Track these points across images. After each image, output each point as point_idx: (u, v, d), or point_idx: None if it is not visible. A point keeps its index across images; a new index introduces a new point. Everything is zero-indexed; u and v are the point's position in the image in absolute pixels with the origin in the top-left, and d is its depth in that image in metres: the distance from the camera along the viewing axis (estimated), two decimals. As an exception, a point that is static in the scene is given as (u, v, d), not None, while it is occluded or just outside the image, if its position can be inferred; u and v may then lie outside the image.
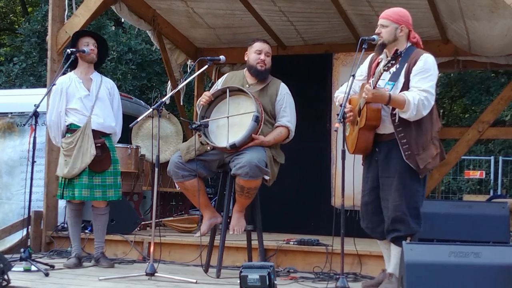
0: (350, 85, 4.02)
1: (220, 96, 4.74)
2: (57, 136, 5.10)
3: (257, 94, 4.70)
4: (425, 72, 3.94)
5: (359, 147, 4.09)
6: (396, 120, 3.97)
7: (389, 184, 4.01)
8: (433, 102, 3.94)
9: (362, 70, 4.25)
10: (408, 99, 3.85)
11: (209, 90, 4.95)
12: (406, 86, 3.96)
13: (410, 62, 3.98)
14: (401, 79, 3.99)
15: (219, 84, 4.90)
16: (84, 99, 5.04)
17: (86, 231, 5.72)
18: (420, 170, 3.97)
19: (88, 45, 5.09)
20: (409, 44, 4.10)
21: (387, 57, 4.08)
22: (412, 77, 3.96)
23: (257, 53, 4.78)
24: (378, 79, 3.90)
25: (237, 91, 4.68)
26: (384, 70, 3.86)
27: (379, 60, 4.15)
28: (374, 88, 3.88)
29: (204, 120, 4.67)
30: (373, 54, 4.23)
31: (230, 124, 4.61)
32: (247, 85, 4.77)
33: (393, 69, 3.99)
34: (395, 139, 4.00)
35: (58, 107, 5.05)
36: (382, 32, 4.06)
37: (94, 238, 5.15)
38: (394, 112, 3.98)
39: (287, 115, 4.76)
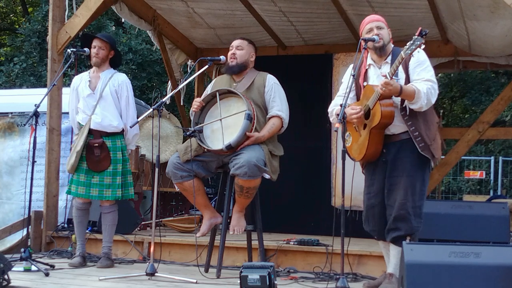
0: (351, 85, 4.03)
1: (211, 101, 4.76)
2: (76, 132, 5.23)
3: (245, 91, 4.71)
4: (423, 64, 4.02)
5: (370, 150, 4.06)
6: (407, 113, 4.00)
7: (397, 183, 4.03)
8: (438, 90, 4.00)
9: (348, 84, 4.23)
10: (418, 89, 3.89)
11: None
12: (407, 82, 4.02)
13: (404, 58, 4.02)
14: (402, 74, 4.04)
15: (208, 90, 4.92)
16: (87, 98, 5.07)
17: (86, 231, 5.72)
18: (434, 159, 4.08)
19: (95, 48, 5.11)
20: (392, 45, 4.21)
21: (374, 62, 4.15)
22: (411, 71, 4.02)
23: (230, 49, 4.84)
24: (395, 71, 3.90)
25: (226, 93, 4.70)
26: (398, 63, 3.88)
27: (366, 67, 4.19)
28: (390, 79, 3.88)
29: (198, 126, 4.68)
30: (350, 68, 4.23)
31: (224, 127, 4.62)
32: (234, 84, 4.79)
33: (385, 70, 4.03)
34: (403, 140, 4.04)
35: (72, 105, 5.19)
36: (381, 34, 4.10)
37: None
38: (404, 106, 4.00)
39: (277, 104, 4.75)
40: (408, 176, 4.01)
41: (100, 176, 5.03)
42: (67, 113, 5.55)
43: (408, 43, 3.74)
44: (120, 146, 5.13)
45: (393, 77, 3.93)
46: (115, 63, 5.29)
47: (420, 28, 3.73)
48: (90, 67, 5.42)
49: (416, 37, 3.71)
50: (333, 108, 4.32)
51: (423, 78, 3.95)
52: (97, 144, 5.01)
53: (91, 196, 5.04)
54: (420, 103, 3.91)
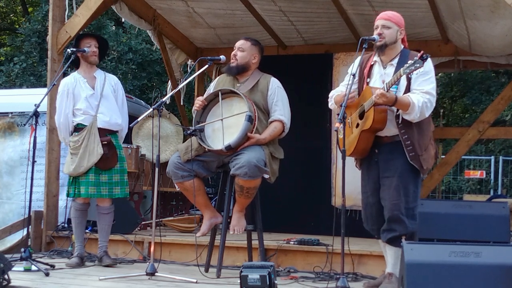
0: (351, 84, 4.03)
1: (213, 100, 4.75)
2: (66, 137, 5.13)
3: (248, 92, 4.70)
4: (426, 74, 3.98)
5: (358, 149, 4.10)
6: (400, 122, 3.99)
7: (389, 184, 4.03)
8: (434, 104, 3.99)
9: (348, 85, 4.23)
10: (412, 101, 3.88)
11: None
12: (408, 89, 4.00)
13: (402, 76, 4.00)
14: (403, 81, 4.01)
15: (211, 88, 4.92)
16: (90, 98, 5.05)
17: (87, 231, 5.71)
18: (423, 170, 4.04)
19: (90, 47, 5.10)
20: (402, 47, 4.16)
21: (381, 60, 4.12)
22: (413, 80, 3.99)
23: (234, 49, 4.82)
24: (392, 85, 3.88)
25: (229, 93, 4.69)
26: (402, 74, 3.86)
27: (372, 62, 4.17)
28: (387, 91, 3.88)
29: (199, 125, 4.68)
30: (361, 56, 4.20)
31: (226, 126, 4.61)
32: (238, 84, 4.78)
33: (389, 72, 4.02)
34: (396, 141, 4.04)
35: (65, 109, 5.06)
36: (384, 33, 4.07)
37: (98, 237, 5.16)
38: (397, 114, 4.00)
39: (279, 108, 4.74)
40: (400, 176, 4.00)
41: (109, 174, 5.03)
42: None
43: (409, 62, 3.77)
44: (120, 144, 5.17)
45: (392, 87, 3.91)
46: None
47: (422, 52, 3.76)
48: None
49: (417, 59, 3.73)
50: (334, 93, 4.34)
51: (422, 90, 3.93)
52: (105, 142, 5.01)
53: (102, 194, 5.03)
54: (413, 116, 3.91)
